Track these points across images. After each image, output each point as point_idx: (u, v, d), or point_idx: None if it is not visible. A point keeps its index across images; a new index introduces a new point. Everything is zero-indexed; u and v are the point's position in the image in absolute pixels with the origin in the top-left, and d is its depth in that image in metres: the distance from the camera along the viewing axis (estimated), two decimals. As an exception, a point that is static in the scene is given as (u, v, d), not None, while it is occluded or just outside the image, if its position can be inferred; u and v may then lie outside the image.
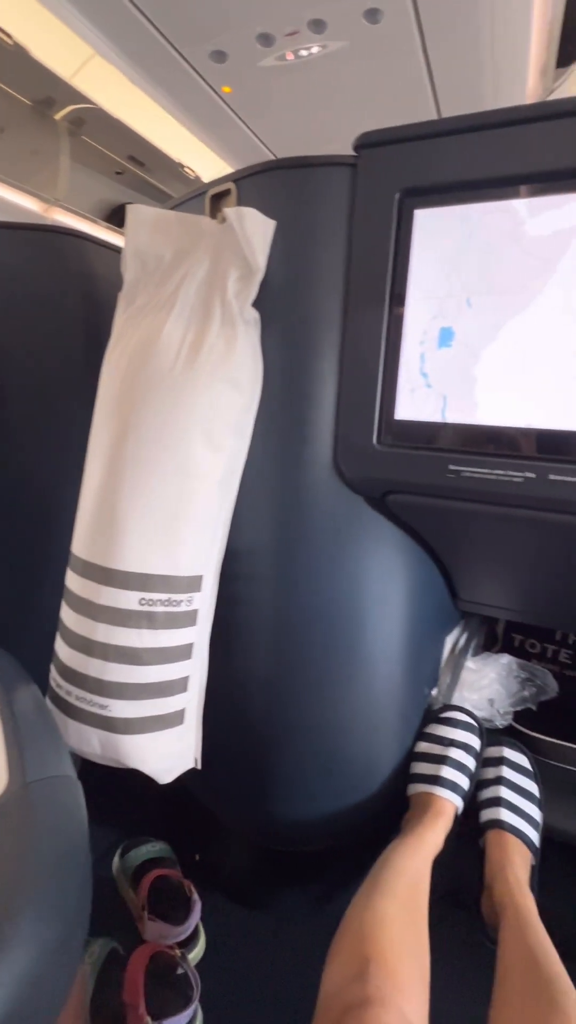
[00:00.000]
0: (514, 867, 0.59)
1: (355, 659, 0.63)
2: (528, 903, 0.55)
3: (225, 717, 0.66)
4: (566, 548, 0.55)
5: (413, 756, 0.70)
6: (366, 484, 0.55)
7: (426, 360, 0.50)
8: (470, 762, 0.67)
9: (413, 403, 0.51)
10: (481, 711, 0.76)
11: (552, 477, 0.46)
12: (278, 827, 0.69)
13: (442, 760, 0.67)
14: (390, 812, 0.72)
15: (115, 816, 0.84)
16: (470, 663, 0.79)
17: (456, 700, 0.76)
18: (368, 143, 0.48)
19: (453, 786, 0.65)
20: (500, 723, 0.77)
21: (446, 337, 0.48)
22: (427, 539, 0.62)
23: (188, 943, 0.71)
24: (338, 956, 0.45)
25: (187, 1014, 0.60)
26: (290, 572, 0.59)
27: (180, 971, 0.65)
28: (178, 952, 0.67)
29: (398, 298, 0.49)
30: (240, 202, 0.53)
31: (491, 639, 0.99)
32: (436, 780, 0.65)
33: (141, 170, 2.28)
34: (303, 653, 0.62)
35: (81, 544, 0.52)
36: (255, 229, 0.49)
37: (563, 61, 1.24)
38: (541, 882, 0.62)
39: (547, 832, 0.66)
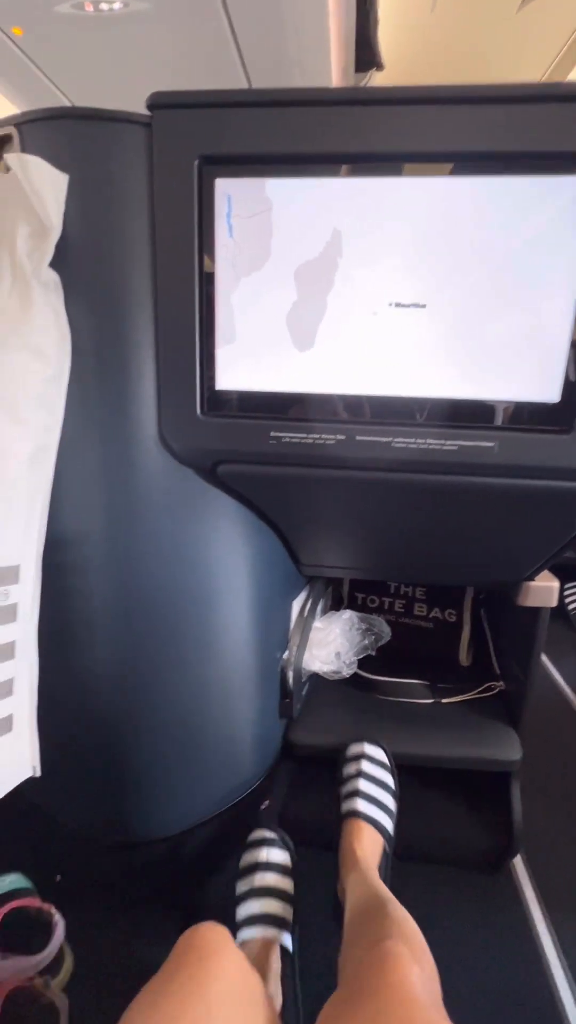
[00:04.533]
0: (363, 849, 0.60)
1: (204, 637, 0.63)
2: (373, 877, 0.55)
3: (69, 717, 0.61)
4: (382, 504, 0.61)
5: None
6: (194, 456, 0.54)
7: (242, 329, 0.51)
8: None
9: (232, 372, 0.52)
10: (329, 664, 0.82)
11: (359, 438, 0.51)
12: (139, 819, 0.67)
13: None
14: (253, 780, 0.75)
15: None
16: (317, 623, 0.85)
17: (306, 658, 0.80)
18: (160, 104, 0.47)
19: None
20: (346, 672, 0.84)
21: (259, 307, 0.50)
22: (263, 508, 0.64)
23: (53, 968, 0.65)
24: None
25: (52, 1041, 0.56)
26: (125, 557, 0.57)
27: (44, 1000, 0.60)
28: (39, 981, 0.61)
29: (208, 266, 0.49)
30: (25, 151, 0.48)
31: (338, 600, 1.08)
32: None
33: None
34: (149, 640, 0.60)
35: None
36: (44, 182, 0.45)
37: (360, 67, 1.36)
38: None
39: (397, 759, 0.73)
